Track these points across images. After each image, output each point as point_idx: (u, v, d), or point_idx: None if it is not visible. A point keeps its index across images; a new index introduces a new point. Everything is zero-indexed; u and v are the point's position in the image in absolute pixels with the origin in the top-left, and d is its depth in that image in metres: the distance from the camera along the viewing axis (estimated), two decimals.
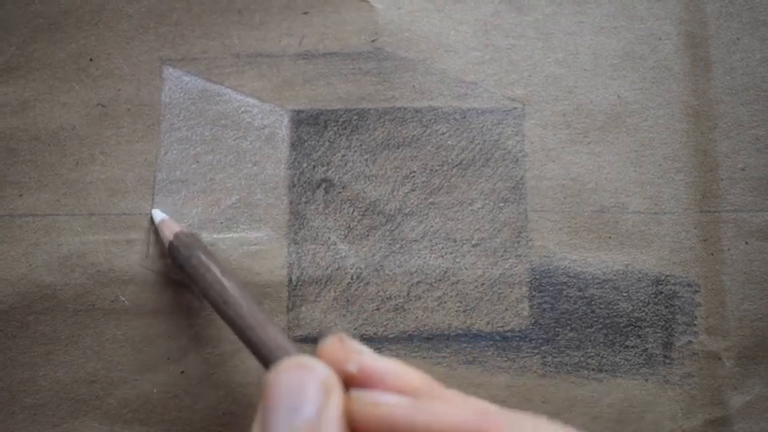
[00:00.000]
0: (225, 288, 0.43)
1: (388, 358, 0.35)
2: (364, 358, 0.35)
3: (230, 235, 0.49)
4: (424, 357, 0.48)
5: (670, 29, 0.51)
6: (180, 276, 0.48)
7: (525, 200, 0.49)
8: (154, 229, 0.49)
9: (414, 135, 0.50)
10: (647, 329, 0.48)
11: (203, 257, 0.45)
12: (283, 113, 0.51)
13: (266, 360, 0.39)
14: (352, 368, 0.35)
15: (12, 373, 0.48)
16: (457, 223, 0.49)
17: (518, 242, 0.49)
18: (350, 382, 0.35)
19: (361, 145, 0.50)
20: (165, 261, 0.49)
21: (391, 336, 0.48)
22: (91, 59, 0.51)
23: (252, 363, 0.47)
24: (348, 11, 0.52)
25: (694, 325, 0.48)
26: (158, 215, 0.49)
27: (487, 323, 0.48)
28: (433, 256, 0.49)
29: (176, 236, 0.46)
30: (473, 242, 0.49)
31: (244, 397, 0.47)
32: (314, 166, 0.50)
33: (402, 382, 0.34)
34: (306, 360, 0.35)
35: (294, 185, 0.50)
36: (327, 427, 0.33)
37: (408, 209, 0.50)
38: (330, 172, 0.50)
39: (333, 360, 0.35)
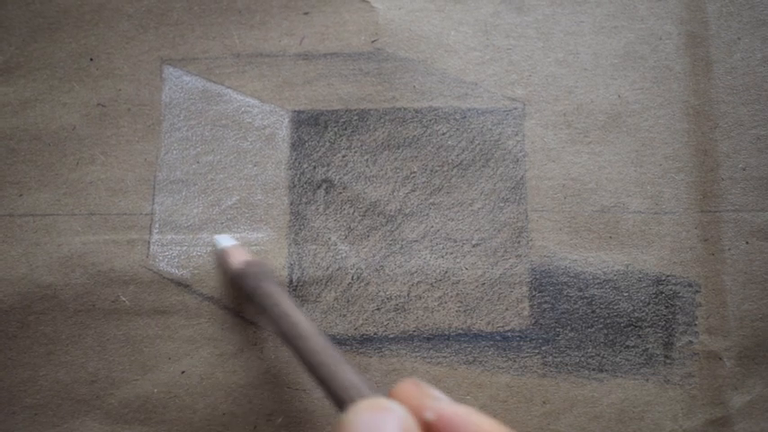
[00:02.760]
0: (297, 321, 0.41)
1: (464, 406, 0.34)
2: (442, 405, 0.34)
3: (230, 235, 0.49)
4: (424, 357, 0.47)
5: (671, 28, 0.51)
6: (246, 307, 0.47)
7: (525, 200, 0.49)
8: (214, 255, 0.48)
9: (414, 135, 0.50)
10: (648, 329, 0.48)
11: (273, 288, 0.43)
12: (284, 114, 0.50)
13: (339, 399, 0.37)
14: (430, 416, 0.33)
15: (12, 373, 0.48)
16: (457, 223, 0.49)
17: (518, 242, 0.49)
18: (426, 429, 0.33)
19: (361, 145, 0.50)
20: (227, 288, 0.48)
21: (391, 336, 0.48)
22: (91, 59, 0.51)
23: (252, 363, 0.47)
24: (348, 11, 0.51)
25: (695, 325, 0.47)
26: (224, 240, 0.47)
27: (488, 323, 0.48)
28: (434, 256, 0.49)
29: (246, 264, 0.45)
30: (473, 242, 0.49)
31: (244, 397, 0.47)
32: (314, 167, 0.50)
33: (480, 431, 0.34)
34: (384, 402, 0.33)
35: (294, 186, 0.50)
36: None
37: (409, 209, 0.49)
38: (330, 172, 0.50)
39: (408, 404, 0.34)
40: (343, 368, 0.38)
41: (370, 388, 0.37)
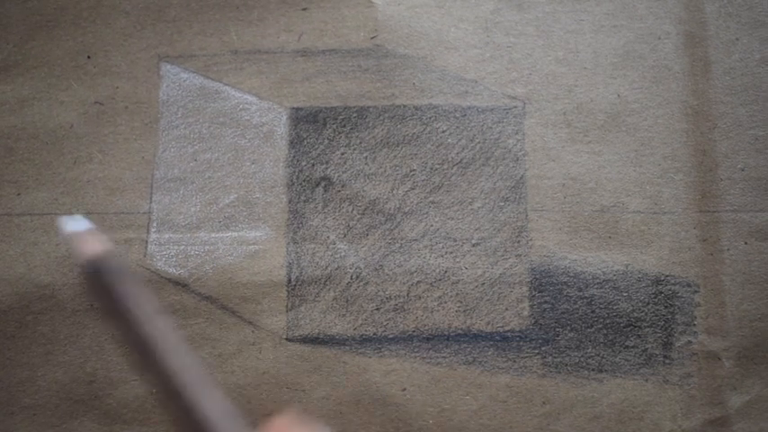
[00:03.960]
0: (163, 330, 0.33)
1: None
2: None
3: (229, 234, 0.48)
4: (423, 357, 0.47)
5: (669, 28, 0.50)
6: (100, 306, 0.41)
7: (525, 199, 0.49)
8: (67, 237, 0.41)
9: (414, 133, 0.49)
10: (647, 329, 0.47)
11: (136, 288, 0.35)
12: (282, 111, 0.50)
13: (202, 428, 0.32)
14: None
15: (11, 374, 0.47)
16: (457, 222, 0.49)
17: (518, 242, 0.48)
18: None
19: (360, 143, 0.49)
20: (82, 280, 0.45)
21: (391, 336, 0.47)
22: (88, 57, 0.50)
23: (251, 363, 0.47)
24: (347, 7, 0.51)
25: (694, 325, 0.47)
26: (75, 223, 0.36)
27: (488, 323, 0.48)
28: (433, 255, 0.48)
29: (103, 255, 0.35)
30: (473, 241, 0.48)
31: (243, 397, 0.46)
32: (313, 164, 0.49)
33: None
34: None
35: (293, 184, 0.49)
36: None
37: (408, 207, 0.49)
38: (329, 170, 0.49)
39: None
40: (213, 393, 0.33)
41: (239, 418, 0.34)
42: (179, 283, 0.47)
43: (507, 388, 0.47)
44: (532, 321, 0.47)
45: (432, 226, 0.48)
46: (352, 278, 0.48)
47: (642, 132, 0.49)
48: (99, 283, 0.35)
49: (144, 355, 0.34)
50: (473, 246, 0.48)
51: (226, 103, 0.50)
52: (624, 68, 0.50)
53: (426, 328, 0.47)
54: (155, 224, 0.48)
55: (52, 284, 0.47)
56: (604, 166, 0.49)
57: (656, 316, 0.47)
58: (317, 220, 0.48)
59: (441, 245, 0.48)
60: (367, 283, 0.48)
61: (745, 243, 0.48)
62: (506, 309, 0.47)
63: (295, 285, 0.48)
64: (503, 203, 0.48)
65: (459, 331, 0.47)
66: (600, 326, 0.47)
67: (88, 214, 0.48)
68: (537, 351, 0.47)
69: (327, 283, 0.48)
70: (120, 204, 0.48)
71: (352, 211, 0.49)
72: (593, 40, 0.50)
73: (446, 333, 0.47)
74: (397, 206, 0.49)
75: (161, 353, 0.33)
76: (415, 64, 0.50)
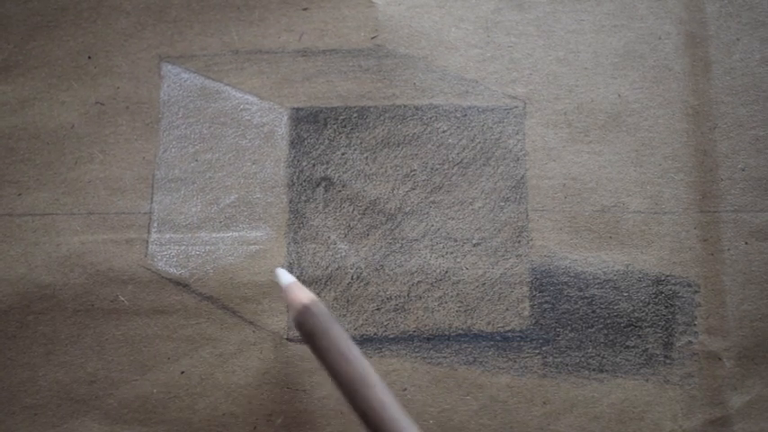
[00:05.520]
0: (368, 369, 0.38)
1: None
2: None
3: (229, 234, 0.48)
4: (424, 358, 0.47)
5: (670, 28, 0.50)
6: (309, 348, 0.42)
7: (526, 199, 0.48)
8: (281, 289, 0.44)
9: (414, 133, 0.49)
10: (648, 329, 0.47)
11: (341, 332, 0.40)
12: (282, 111, 0.49)
13: None
14: None
15: (11, 374, 0.47)
16: (457, 222, 0.48)
17: (519, 242, 0.48)
18: None
19: (361, 143, 0.49)
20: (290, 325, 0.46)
21: (391, 336, 0.47)
22: (89, 57, 0.50)
23: (252, 363, 0.46)
24: (348, 7, 0.50)
25: (694, 325, 0.47)
26: (285, 277, 0.43)
27: (488, 323, 0.47)
28: (434, 255, 0.48)
29: (306, 305, 0.41)
30: (474, 241, 0.48)
31: (243, 397, 0.46)
32: (313, 165, 0.49)
33: None
34: None
35: (293, 184, 0.49)
36: None
37: (409, 208, 0.49)
38: (330, 170, 0.49)
39: None
40: (411, 430, 0.36)
41: None
42: (180, 284, 0.47)
43: (508, 388, 0.46)
44: (533, 321, 0.47)
45: (432, 226, 0.48)
46: (352, 278, 0.48)
47: (643, 132, 0.49)
48: (309, 328, 0.40)
49: (348, 392, 0.38)
50: (474, 246, 0.48)
51: (226, 104, 0.49)
52: (625, 68, 0.50)
53: (427, 328, 0.47)
54: (155, 224, 0.48)
55: (53, 284, 0.47)
56: (605, 166, 0.48)
57: (657, 316, 0.47)
58: (317, 220, 0.48)
59: (441, 245, 0.48)
60: (367, 283, 0.47)
61: (746, 243, 0.48)
62: (507, 309, 0.47)
63: None
64: (503, 203, 0.48)
65: (460, 331, 0.47)
66: (600, 326, 0.47)
67: (89, 214, 0.48)
68: (537, 351, 0.47)
69: (328, 283, 0.47)
70: (121, 204, 0.48)
71: (352, 212, 0.48)
72: (594, 40, 0.50)
73: (447, 333, 0.47)
74: (398, 206, 0.48)
75: (364, 391, 0.37)
76: (415, 64, 0.50)
